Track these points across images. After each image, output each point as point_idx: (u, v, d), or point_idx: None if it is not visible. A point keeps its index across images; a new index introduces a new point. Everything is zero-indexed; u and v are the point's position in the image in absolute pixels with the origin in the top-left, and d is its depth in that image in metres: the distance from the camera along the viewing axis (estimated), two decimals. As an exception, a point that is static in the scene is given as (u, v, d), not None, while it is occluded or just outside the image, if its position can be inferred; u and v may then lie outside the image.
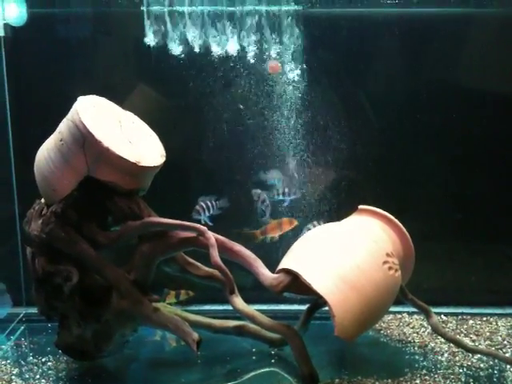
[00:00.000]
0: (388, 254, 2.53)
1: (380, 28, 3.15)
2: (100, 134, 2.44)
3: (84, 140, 2.45)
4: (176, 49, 3.12)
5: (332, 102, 3.19)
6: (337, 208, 3.20)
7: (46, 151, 2.57)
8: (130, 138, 2.59)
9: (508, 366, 2.61)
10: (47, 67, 3.22)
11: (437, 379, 2.52)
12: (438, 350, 2.79)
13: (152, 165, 2.56)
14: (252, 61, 3.12)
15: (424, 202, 3.28)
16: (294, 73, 3.13)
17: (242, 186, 3.23)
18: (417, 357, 2.75)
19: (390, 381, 2.50)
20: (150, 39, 3.12)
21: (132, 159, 2.49)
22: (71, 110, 2.52)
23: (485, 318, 3.13)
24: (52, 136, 2.59)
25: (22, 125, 3.26)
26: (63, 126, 2.53)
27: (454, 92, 3.19)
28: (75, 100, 2.55)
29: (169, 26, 3.10)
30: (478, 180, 3.25)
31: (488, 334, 2.96)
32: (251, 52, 3.11)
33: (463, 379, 2.52)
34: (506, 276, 3.31)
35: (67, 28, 3.25)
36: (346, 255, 2.48)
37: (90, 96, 2.61)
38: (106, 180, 2.51)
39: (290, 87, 3.15)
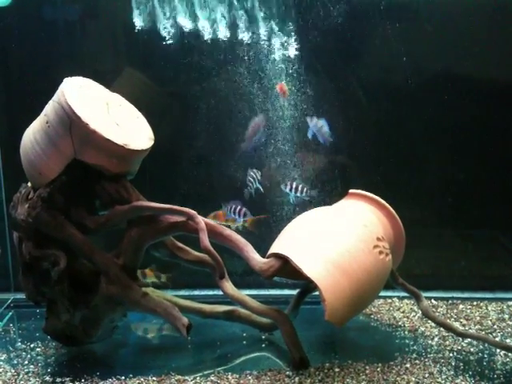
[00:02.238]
0: (379, 238, 2.52)
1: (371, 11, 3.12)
2: (87, 116, 2.40)
3: (70, 122, 2.40)
4: (164, 32, 3.08)
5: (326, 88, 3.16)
6: (328, 193, 3.18)
7: (31, 134, 2.52)
8: (118, 120, 2.54)
9: (498, 350, 2.61)
10: (33, 49, 3.16)
11: (427, 363, 2.52)
12: (429, 334, 2.80)
13: (140, 148, 2.53)
14: (244, 44, 3.07)
15: (416, 187, 3.27)
16: (286, 59, 3.09)
17: (232, 170, 3.20)
18: (407, 341, 2.75)
19: (380, 365, 2.50)
20: (138, 21, 3.07)
21: (119, 142, 2.45)
22: (57, 91, 2.47)
23: (475, 303, 3.13)
24: (38, 118, 2.54)
25: (8, 107, 3.21)
26: (49, 108, 2.48)
27: (448, 78, 3.17)
28: (62, 82, 2.51)
29: (157, 7, 3.05)
30: (471, 166, 3.24)
31: (478, 318, 2.96)
32: (242, 35, 3.07)
33: (453, 363, 2.52)
34: (497, 261, 3.32)
35: (53, 9, 3.19)
36: (336, 239, 2.47)
37: (77, 77, 2.56)
38: (94, 163, 2.47)
39: (283, 74, 3.11)
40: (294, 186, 3.01)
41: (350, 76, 3.18)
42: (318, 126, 2.98)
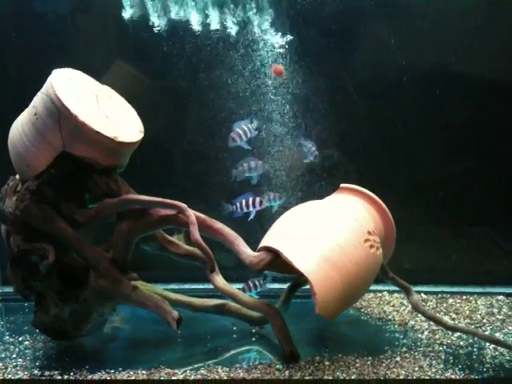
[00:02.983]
0: (369, 232, 2.52)
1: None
2: (76, 108, 2.38)
3: (59, 114, 2.38)
4: (155, 24, 3.05)
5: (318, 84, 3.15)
6: (320, 188, 3.18)
7: (20, 126, 2.49)
8: (107, 112, 2.52)
9: (487, 344, 2.63)
10: (22, 41, 3.13)
11: (417, 357, 2.53)
12: (418, 328, 2.80)
13: (130, 140, 2.51)
14: (236, 37, 3.05)
15: (408, 182, 3.27)
16: (279, 52, 3.08)
17: (223, 165, 3.18)
18: (397, 335, 2.75)
19: (370, 358, 2.50)
20: (129, 13, 3.05)
21: (109, 134, 2.42)
22: (46, 82, 2.44)
23: (465, 297, 3.15)
24: (26, 110, 2.51)
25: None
26: (37, 100, 2.45)
27: (442, 75, 3.17)
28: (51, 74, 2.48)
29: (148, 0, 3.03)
30: (463, 162, 3.25)
31: (468, 312, 2.98)
32: (234, 28, 3.05)
33: (443, 357, 2.53)
34: (487, 256, 3.33)
35: (44, 2, 3.15)
36: (327, 233, 2.46)
37: (66, 69, 2.54)
38: (83, 156, 2.45)
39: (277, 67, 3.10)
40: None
41: (343, 72, 3.17)
42: (309, 146, 3.02)
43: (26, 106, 2.53)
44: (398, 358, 2.51)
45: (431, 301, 3.11)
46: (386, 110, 3.21)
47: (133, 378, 2.39)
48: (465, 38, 3.13)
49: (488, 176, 3.25)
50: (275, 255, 2.49)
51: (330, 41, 3.13)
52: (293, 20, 3.07)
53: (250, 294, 2.77)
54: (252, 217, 2.93)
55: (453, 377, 2.37)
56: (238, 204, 2.92)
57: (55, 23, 3.15)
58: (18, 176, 2.58)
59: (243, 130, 2.88)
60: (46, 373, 2.44)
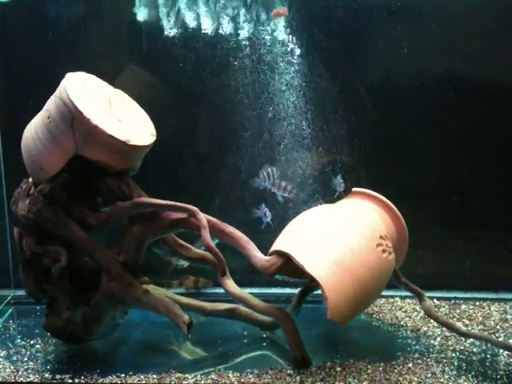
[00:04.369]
0: (382, 237, 2.50)
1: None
2: (89, 112, 2.39)
3: (72, 117, 2.39)
4: (168, 28, 3.06)
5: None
6: (331, 191, 3.16)
7: (33, 129, 2.51)
8: (120, 116, 2.53)
9: (501, 351, 2.59)
10: (35, 45, 3.15)
11: (429, 363, 2.50)
12: (431, 334, 2.78)
13: (142, 144, 2.51)
14: (249, 41, 3.05)
15: (420, 187, 3.25)
16: (287, 57, 3.08)
17: (234, 171, 3.18)
18: (409, 341, 2.73)
19: (382, 364, 2.48)
20: (142, 17, 3.06)
21: (121, 138, 2.43)
22: (59, 86, 2.46)
23: (478, 303, 3.11)
24: (39, 113, 2.53)
25: (9, 103, 3.20)
26: (51, 103, 2.46)
27: (453, 77, 3.14)
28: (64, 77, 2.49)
29: (161, 4, 3.04)
30: (475, 166, 3.22)
31: (481, 318, 2.94)
32: (248, 32, 3.05)
33: (456, 363, 2.50)
34: (500, 262, 3.29)
35: (56, 5, 3.17)
36: (339, 237, 2.45)
37: (79, 72, 2.55)
38: (95, 159, 2.45)
39: (286, 73, 3.09)
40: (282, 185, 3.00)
41: (353, 76, 3.16)
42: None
43: (40, 110, 2.54)
44: (411, 365, 2.49)
45: (444, 307, 3.07)
46: (397, 113, 3.19)
47: (143, 382, 2.39)
48: (478, 43, 3.11)
49: (501, 180, 3.22)
50: (287, 259, 2.48)
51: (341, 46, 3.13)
52: (306, 26, 3.07)
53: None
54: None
55: (466, 383, 2.34)
56: (265, 210, 2.93)
57: (68, 27, 3.17)
58: (30, 179, 2.60)
59: (268, 173, 2.96)
60: (57, 376, 2.44)
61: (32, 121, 2.56)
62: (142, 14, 3.08)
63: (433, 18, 3.07)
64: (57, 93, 2.46)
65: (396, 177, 3.22)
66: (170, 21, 3.07)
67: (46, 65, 3.12)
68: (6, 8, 3.08)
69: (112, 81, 2.72)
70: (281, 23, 3.04)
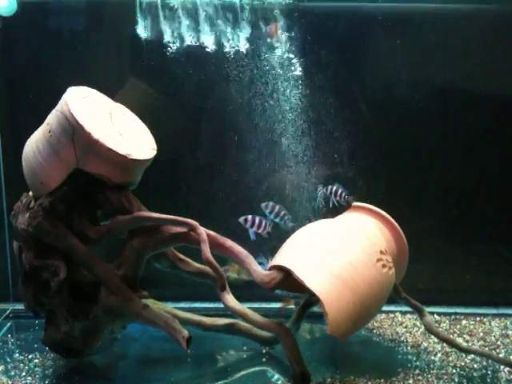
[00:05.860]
0: (382, 252, 2.50)
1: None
2: (90, 126, 2.39)
3: (73, 131, 2.39)
4: (169, 42, 3.08)
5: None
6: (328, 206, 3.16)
7: (34, 143, 2.51)
8: (121, 130, 2.54)
9: (502, 367, 2.58)
10: (38, 58, 3.16)
11: (430, 379, 2.49)
12: (431, 349, 2.76)
13: (142, 158, 2.52)
14: (249, 56, 3.07)
15: (420, 200, 3.25)
16: (290, 70, 3.09)
17: (236, 183, 3.18)
18: (410, 356, 2.71)
19: (382, 380, 2.47)
20: (143, 31, 3.08)
21: (122, 152, 2.44)
22: (60, 100, 2.47)
23: (478, 318, 3.10)
24: (41, 127, 2.54)
25: (11, 116, 3.20)
26: (52, 117, 2.47)
27: (453, 87, 3.16)
28: (65, 91, 2.50)
29: (162, 17, 3.06)
30: (475, 179, 3.22)
31: (481, 334, 2.93)
32: (244, 46, 3.07)
33: (456, 379, 2.49)
34: (500, 276, 3.28)
35: (59, 18, 3.19)
36: (339, 252, 2.45)
37: (81, 87, 2.56)
38: (96, 173, 2.46)
39: (289, 86, 3.11)
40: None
41: (353, 88, 3.18)
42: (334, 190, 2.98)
43: (41, 124, 2.55)
44: (411, 381, 2.47)
45: (444, 322, 3.06)
46: (397, 125, 3.20)
47: (142, 397, 2.38)
48: (479, 55, 3.12)
49: (501, 193, 3.22)
50: (286, 274, 2.47)
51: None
52: (306, 40, 3.09)
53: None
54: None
55: (467, 400, 2.34)
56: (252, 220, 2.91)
57: (70, 40, 3.18)
58: (31, 193, 2.60)
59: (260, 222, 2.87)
60: (56, 391, 2.43)
61: (33, 134, 2.56)
62: (143, 28, 3.10)
63: (431, 30, 3.09)
64: (58, 107, 2.47)
65: (396, 191, 3.22)
66: (171, 34, 3.09)
67: (47, 79, 3.13)
68: (8, 21, 3.09)
69: (113, 95, 2.73)
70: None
